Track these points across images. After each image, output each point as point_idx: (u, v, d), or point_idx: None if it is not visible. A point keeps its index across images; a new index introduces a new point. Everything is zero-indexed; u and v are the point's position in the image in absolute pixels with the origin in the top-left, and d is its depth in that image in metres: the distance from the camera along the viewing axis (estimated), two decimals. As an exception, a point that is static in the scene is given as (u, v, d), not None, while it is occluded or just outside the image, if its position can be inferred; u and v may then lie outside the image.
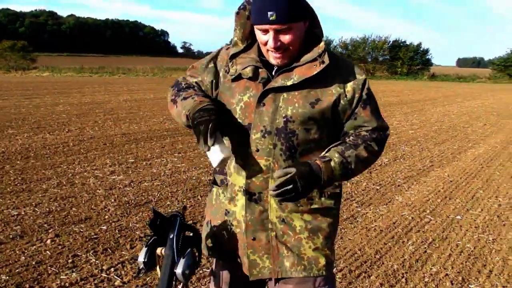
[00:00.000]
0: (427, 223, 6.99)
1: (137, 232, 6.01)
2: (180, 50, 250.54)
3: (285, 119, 2.44)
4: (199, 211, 6.88)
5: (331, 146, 2.51)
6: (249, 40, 2.59)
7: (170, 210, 6.70)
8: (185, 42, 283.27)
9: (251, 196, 2.52)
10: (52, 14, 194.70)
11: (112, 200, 7.28)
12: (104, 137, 12.62)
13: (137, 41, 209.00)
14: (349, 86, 2.52)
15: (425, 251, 5.92)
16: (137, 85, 33.01)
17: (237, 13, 2.56)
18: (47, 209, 6.77)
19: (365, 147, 2.52)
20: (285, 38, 2.37)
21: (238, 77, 2.56)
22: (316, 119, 2.47)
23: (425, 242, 6.22)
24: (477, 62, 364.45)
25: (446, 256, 5.81)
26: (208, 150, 2.28)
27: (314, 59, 2.46)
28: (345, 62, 2.63)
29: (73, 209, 6.82)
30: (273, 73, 2.51)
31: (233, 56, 2.59)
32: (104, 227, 6.15)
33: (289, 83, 2.43)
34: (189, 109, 2.43)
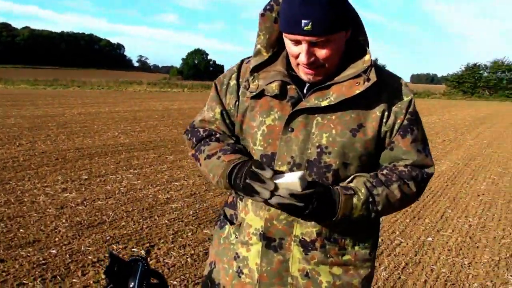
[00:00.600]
0: (398, 245, 6.72)
1: (90, 257, 5.55)
2: (136, 64, 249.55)
3: (319, 150, 2.06)
4: (156, 232, 6.50)
5: (357, 174, 2.10)
6: (276, 48, 2.20)
7: (133, 252, 6.25)
8: (141, 56, 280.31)
9: (270, 242, 2.13)
10: (6, 26, 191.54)
11: (63, 221, 6.81)
12: (57, 151, 12.08)
13: (92, 54, 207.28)
14: (393, 108, 2.12)
15: (399, 277, 5.63)
16: (92, 98, 32.46)
17: (262, 15, 2.16)
18: (-8, 230, 6.27)
19: (400, 186, 2.08)
20: (322, 52, 1.98)
21: (260, 95, 2.17)
22: (358, 152, 2.08)
23: (398, 267, 5.94)
24: (431, 78, 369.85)
25: (421, 282, 5.53)
26: (276, 189, 1.87)
27: (358, 75, 2.06)
28: (393, 78, 2.21)
29: (21, 230, 6.34)
30: (305, 91, 2.13)
31: (256, 69, 2.20)
32: (54, 251, 5.68)
33: (324, 103, 2.04)
34: (220, 175, 2.09)
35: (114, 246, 5.87)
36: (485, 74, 78.33)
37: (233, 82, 2.29)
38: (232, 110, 2.27)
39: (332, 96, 2.05)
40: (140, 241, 6.14)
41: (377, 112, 2.08)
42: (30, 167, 10.11)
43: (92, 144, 13.54)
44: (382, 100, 2.10)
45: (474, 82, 76.89)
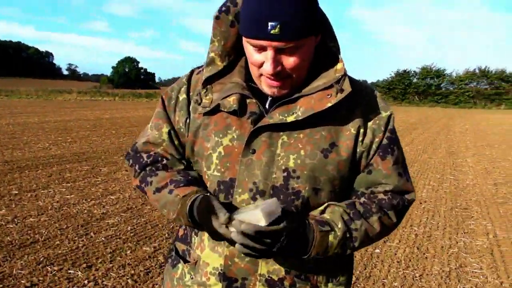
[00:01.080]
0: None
1: (23, 281, 5.16)
2: (66, 72, 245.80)
3: (285, 174, 1.81)
4: (93, 251, 6.14)
5: (331, 203, 1.87)
6: (232, 56, 1.95)
7: (69, 274, 5.87)
8: (70, 64, 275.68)
9: (231, 283, 1.86)
10: None
11: (-8, 241, 6.37)
12: (-16, 165, 11.48)
13: (20, 62, 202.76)
14: (369, 125, 1.88)
15: (350, 293, 5.36)
16: (21, 108, 31.49)
17: (217, 18, 1.88)
18: None
19: (380, 217, 1.87)
20: (289, 61, 1.73)
21: (214, 111, 1.91)
22: (330, 175, 1.83)
23: (347, 282, 5.66)
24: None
25: (374, 297, 5.34)
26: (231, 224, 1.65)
27: (329, 86, 1.81)
28: (367, 89, 1.96)
29: None
30: (267, 105, 1.89)
31: (209, 80, 1.94)
32: (-18, 276, 5.25)
33: (290, 118, 1.80)
34: (179, 213, 1.84)
35: (49, 268, 5.50)
36: (415, 80, 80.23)
37: (182, 96, 2.02)
38: (182, 129, 2.00)
39: (299, 110, 1.80)
40: (76, 261, 5.77)
41: (351, 129, 1.85)
42: (-45, 183, 9.54)
43: (22, 156, 12.96)
44: (356, 114, 1.87)
45: (404, 88, 78.75)
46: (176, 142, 2.02)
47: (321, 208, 1.85)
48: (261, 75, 1.81)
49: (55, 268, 5.55)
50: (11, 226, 7.02)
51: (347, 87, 1.80)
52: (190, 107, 1.99)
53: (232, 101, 1.85)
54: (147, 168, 2.00)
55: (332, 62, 1.87)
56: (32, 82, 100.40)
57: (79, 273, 5.45)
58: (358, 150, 1.87)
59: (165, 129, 2.02)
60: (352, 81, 1.88)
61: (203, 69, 1.97)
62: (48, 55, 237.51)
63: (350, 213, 1.83)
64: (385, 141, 1.89)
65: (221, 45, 1.91)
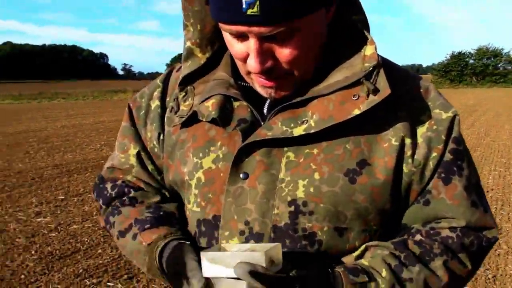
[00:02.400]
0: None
1: (58, 297, 4.83)
2: (121, 72, 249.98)
3: (292, 208, 1.27)
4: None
5: (372, 243, 1.31)
6: (216, 44, 1.44)
7: (108, 287, 5.55)
8: (125, 64, 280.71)
9: None
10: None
11: (33, 252, 6.07)
12: (34, 170, 11.32)
13: (76, 65, 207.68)
14: (421, 132, 1.31)
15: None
16: (77, 110, 31.78)
17: None
18: (-49, 269, 5.53)
19: (446, 262, 1.27)
20: (284, 52, 1.19)
21: (192, 121, 1.40)
22: (361, 209, 1.27)
23: None
24: (416, 69, 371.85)
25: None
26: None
27: (356, 82, 1.25)
28: (415, 80, 1.38)
29: (-17, 267, 5.60)
30: (265, 109, 1.37)
31: (187, 79, 1.44)
32: (17, 292, 4.94)
33: (298, 131, 1.26)
34: (147, 266, 1.39)
35: (87, 281, 5.17)
36: (471, 61, 78.48)
37: (155, 103, 1.54)
38: (156, 149, 1.54)
39: (311, 118, 1.27)
40: (117, 273, 5.42)
41: (391, 139, 1.28)
42: (3, 190, 9.38)
43: (72, 159, 12.78)
44: (399, 117, 1.30)
45: (461, 70, 77.05)
46: (150, 167, 1.56)
47: (357, 252, 1.31)
48: (249, 72, 1.28)
49: (94, 280, 5.22)
50: (53, 235, 6.74)
51: (383, 86, 1.24)
52: (165, 118, 1.51)
53: (210, 106, 1.35)
54: (112, 204, 1.56)
55: (357, 43, 1.32)
56: (88, 84, 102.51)
57: (119, 285, 5.11)
58: (405, 170, 1.30)
59: (133, 151, 1.56)
60: (392, 68, 1.35)
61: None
62: (103, 56, 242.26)
63: (401, 257, 1.27)
64: (448, 156, 1.31)
65: (198, 31, 1.41)
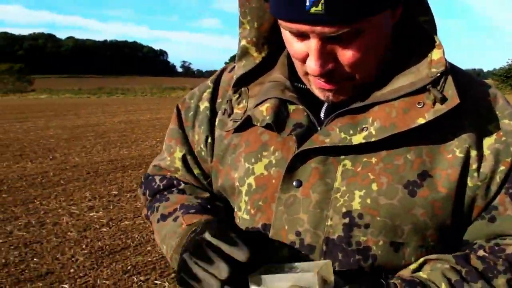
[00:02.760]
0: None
1: (105, 293, 4.85)
2: (180, 70, 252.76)
3: (347, 220, 1.20)
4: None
5: (431, 256, 1.22)
6: (273, 44, 1.37)
7: (155, 285, 5.55)
8: (184, 62, 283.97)
9: None
10: (51, 37, 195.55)
11: (84, 246, 6.12)
12: (89, 164, 11.50)
13: (136, 61, 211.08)
14: (488, 143, 1.20)
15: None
16: (135, 106, 32.31)
17: None
18: (4, 260, 5.62)
19: (510, 281, 1.17)
20: (347, 54, 1.12)
21: (246, 124, 1.33)
22: (420, 224, 1.19)
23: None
24: (477, 74, 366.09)
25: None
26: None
27: (421, 89, 1.18)
28: (481, 86, 1.28)
29: (35, 259, 5.67)
30: (322, 114, 1.29)
31: (242, 80, 1.37)
32: (66, 286, 4.98)
33: (358, 139, 1.19)
34: (174, 249, 1.30)
35: (135, 278, 5.17)
36: (534, 65, 76.27)
37: (204, 104, 1.47)
38: (203, 153, 1.47)
39: (372, 126, 1.19)
40: (165, 270, 5.40)
41: (456, 150, 1.19)
42: (59, 183, 9.55)
43: (127, 155, 12.95)
44: (464, 126, 1.21)
45: (523, 75, 74.94)
46: (196, 171, 1.49)
47: (414, 265, 1.21)
48: (307, 73, 1.21)
49: (141, 277, 5.21)
50: (105, 230, 6.80)
51: (452, 94, 1.15)
52: (217, 121, 1.44)
53: (265, 111, 1.28)
54: (158, 194, 1.50)
55: (424, 47, 1.23)
56: (148, 80, 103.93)
57: (166, 284, 5.09)
58: (469, 184, 1.20)
59: (178, 154, 1.50)
60: (456, 72, 1.24)
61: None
62: (163, 53, 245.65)
63: (462, 272, 1.17)
64: None
65: (255, 28, 1.33)
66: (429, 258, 1.21)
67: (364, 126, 1.19)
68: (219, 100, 1.45)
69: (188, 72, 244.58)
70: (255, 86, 1.36)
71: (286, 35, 1.18)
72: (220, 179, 1.39)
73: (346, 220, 1.19)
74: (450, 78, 1.17)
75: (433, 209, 1.18)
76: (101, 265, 5.56)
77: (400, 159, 1.19)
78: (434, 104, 1.15)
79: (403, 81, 1.21)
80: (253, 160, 1.30)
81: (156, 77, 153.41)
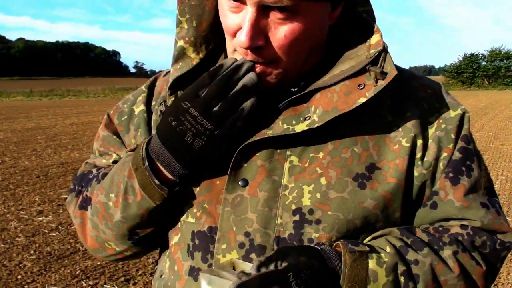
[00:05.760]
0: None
1: (53, 299, 4.77)
2: (133, 70, 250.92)
3: (297, 217, 1.17)
4: (134, 262, 5.65)
5: (375, 234, 1.21)
6: (212, 44, 1.33)
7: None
8: (137, 62, 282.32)
9: None
10: (0, 39, 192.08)
11: (32, 252, 6.01)
12: (39, 168, 11.27)
13: (88, 62, 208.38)
14: (431, 132, 1.23)
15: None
16: (87, 107, 31.82)
17: None
18: (-51, 268, 5.47)
19: (457, 253, 1.17)
20: (277, 34, 1.12)
21: None
22: (371, 217, 1.19)
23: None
24: (428, 70, 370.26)
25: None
26: None
27: (361, 71, 1.18)
28: (422, 80, 1.32)
29: (-19, 267, 5.54)
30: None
31: (177, 83, 1.30)
32: (12, 293, 4.88)
33: (301, 127, 1.17)
34: (127, 172, 1.24)
35: (83, 283, 5.10)
36: (483, 63, 78.04)
37: (139, 108, 1.43)
38: None
39: (315, 113, 1.18)
40: (114, 274, 5.34)
41: (402, 140, 1.20)
42: (8, 188, 9.34)
43: (78, 157, 12.72)
44: (408, 117, 1.23)
45: (473, 72, 76.58)
46: None
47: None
48: (235, 50, 1.19)
49: (90, 282, 5.15)
50: (54, 234, 6.68)
51: (390, 68, 1.16)
52: (152, 122, 1.40)
53: None
54: (94, 180, 1.39)
55: (363, 35, 1.25)
56: (100, 81, 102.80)
57: (116, 287, 5.04)
58: (415, 173, 1.21)
59: (111, 159, 1.45)
60: (399, 70, 1.21)
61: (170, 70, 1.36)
62: (115, 53, 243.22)
63: (408, 241, 1.17)
64: (457, 155, 1.22)
65: (193, 27, 1.29)
66: (374, 235, 1.20)
67: (306, 116, 1.18)
68: (152, 103, 1.42)
69: (141, 72, 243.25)
70: None
71: (223, 8, 1.17)
72: None
73: (297, 217, 1.17)
74: (388, 56, 1.18)
75: (384, 200, 1.18)
76: (49, 270, 5.46)
77: (347, 152, 1.19)
78: (376, 82, 1.15)
79: (343, 66, 1.22)
80: None
81: (109, 78, 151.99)
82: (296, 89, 1.25)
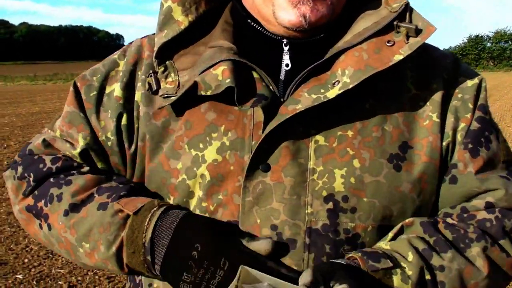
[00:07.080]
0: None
1: (60, 282, 4.77)
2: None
3: (331, 204, 1.05)
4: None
5: (400, 226, 1.09)
6: (203, 5, 1.17)
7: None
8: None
9: None
10: (3, 23, 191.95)
11: (38, 235, 6.01)
12: (45, 152, 11.27)
13: (92, 46, 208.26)
14: (451, 104, 1.14)
15: None
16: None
17: None
18: (-44, 252, 5.49)
19: (486, 249, 1.05)
20: None
21: (183, 102, 1.11)
22: (408, 202, 1.08)
23: None
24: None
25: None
26: None
27: (387, 28, 1.07)
28: (444, 54, 1.23)
29: (-12, 250, 5.56)
30: (281, 83, 1.13)
31: (167, 50, 1.14)
32: (20, 276, 4.89)
33: (334, 91, 1.03)
34: (107, 245, 1.06)
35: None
36: (488, 44, 78.01)
37: (111, 88, 1.22)
38: (110, 143, 1.19)
39: (344, 75, 1.04)
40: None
41: (432, 115, 1.12)
42: (14, 172, 9.33)
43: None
44: (434, 89, 1.14)
45: (478, 53, 76.70)
46: (100, 165, 1.22)
47: (391, 234, 1.09)
48: None
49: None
50: (60, 218, 6.65)
51: (423, 23, 1.06)
52: (137, 98, 1.18)
53: (220, 74, 1.05)
54: (52, 178, 1.17)
55: None
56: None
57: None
58: (443, 148, 1.12)
59: (81, 142, 1.20)
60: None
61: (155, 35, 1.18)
62: (119, 37, 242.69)
63: (431, 241, 1.06)
64: (475, 125, 1.13)
65: None
66: (394, 230, 1.09)
67: (335, 81, 1.05)
68: (138, 72, 1.21)
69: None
70: (183, 57, 1.15)
71: None
72: (147, 170, 1.16)
73: (330, 205, 1.05)
74: (415, 10, 1.09)
75: (420, 183, 1.09)
76: (55, 254, 5.45)
77: (378, 130, 1.08)
78: (408, 39, 1.05)
79: (364, 23, 1.11)
80: (201, 146, 1.09)
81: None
82: (320, 36, 1.14)
